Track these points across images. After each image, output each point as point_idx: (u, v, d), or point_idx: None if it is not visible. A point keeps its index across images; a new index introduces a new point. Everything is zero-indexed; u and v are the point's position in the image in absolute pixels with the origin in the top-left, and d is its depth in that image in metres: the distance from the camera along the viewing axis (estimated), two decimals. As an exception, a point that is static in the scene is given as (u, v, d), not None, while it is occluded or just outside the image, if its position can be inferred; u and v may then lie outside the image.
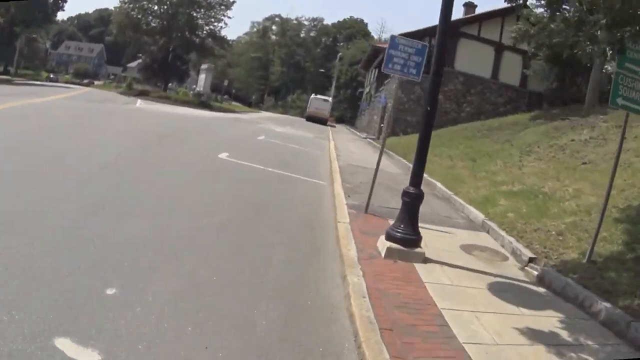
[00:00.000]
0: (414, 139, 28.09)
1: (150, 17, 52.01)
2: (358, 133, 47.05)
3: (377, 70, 52.05)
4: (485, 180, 14.51)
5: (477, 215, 10.89)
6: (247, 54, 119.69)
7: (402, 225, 7.67)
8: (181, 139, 16.65)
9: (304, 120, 60.92)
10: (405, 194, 7.96)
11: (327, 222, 9.71)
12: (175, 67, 75.80)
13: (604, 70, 24.79)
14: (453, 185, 14.29)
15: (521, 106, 34.63)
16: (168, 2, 50.90)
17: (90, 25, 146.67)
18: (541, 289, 7.21)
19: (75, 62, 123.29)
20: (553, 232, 9.19)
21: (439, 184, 14.76)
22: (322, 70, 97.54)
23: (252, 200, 10.30)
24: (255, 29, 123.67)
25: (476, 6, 41.19)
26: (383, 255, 7.53)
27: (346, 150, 23.81)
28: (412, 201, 7.89)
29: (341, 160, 18.11)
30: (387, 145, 29.31)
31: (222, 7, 52.72)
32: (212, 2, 52.55)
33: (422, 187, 8.10)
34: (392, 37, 10.54)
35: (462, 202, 12.35)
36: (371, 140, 35.42)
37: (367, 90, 61.32)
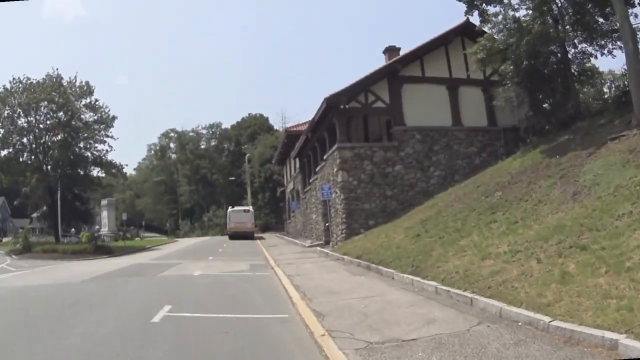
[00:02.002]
0: (393, 234, 18.35)
1: (21, 153, 41.43)
2: (297, 241, 37.45)
3: (297, 160, 43.63)
4: None
5: None
6: (150, 179, 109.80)
7: None
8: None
9: (227, 238, 52.16)
10: None
11: None
12: (74, 208, 65.83)
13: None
14: None
15: (499, 149, 27.81)
16: (36, 131, 40.54)
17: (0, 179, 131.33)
18: None
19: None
20: None
21: None
22: (233, 178, 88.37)
23: None
24: (152, 151, 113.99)
25: (399, 49, 33.49)
26: None
27: (314, 284, 14.17)
28: None
29: (336, 330, 8.44)
30: (362, 254, 20.19)
31: (102, 125, 42.70)
32: (88, 121, 42.47)
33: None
34: None
35: None
36: (323, 250, 25.96)
37: (290, 187, 52.72)
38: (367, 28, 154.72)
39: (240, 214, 53.07)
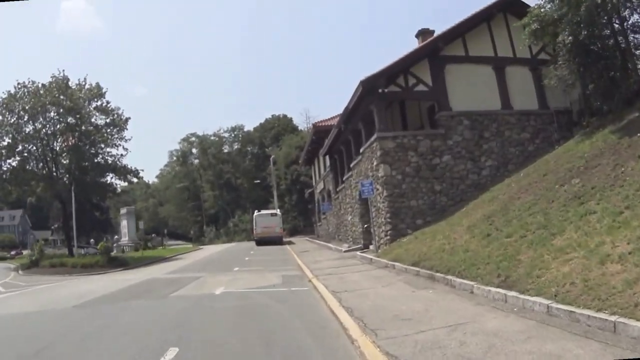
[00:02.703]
0: (452, 234, 16.52)
1: (27, 161, 38.13)
2: (331, 245, 34.07)
3: (327, 158, 40.37)
4: None
5: None
6: (173, 186, 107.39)
7: None
8: None
9: (253, 244, 49.06)
10: None
11: None
12: (93, 218, 63.53)
13: None
14: None
15: (553, 134, 24.57)
16: (45, 137, 37.29)
17: (9, 191, 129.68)
18: None
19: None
20: None
21: None
22: (258, 181, 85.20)
23: None
24: (174, 157, 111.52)
25: (433, 31, 29.91)
26: None
27: (371, 304, 10.79)
28: None
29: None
30: (419, 261, 16.66)
31: (115, 129, 39.48)
32: (98, 124, 39.20)
33: None
34: None
35: None
36: (365, 255, 22.65)
37: (319, 187, 49.38)
38: (388, 21, 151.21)
39: (268, 218, 49.90)
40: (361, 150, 26.73)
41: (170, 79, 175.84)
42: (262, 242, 47.29)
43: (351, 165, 29.93)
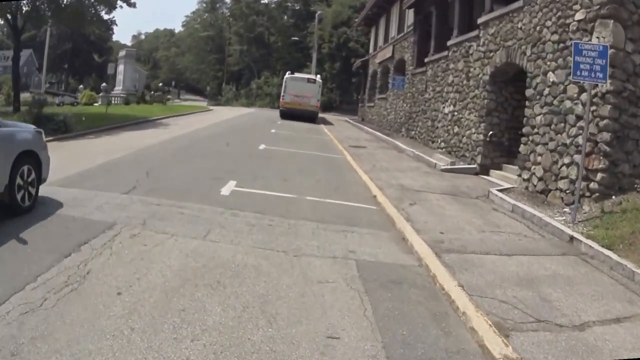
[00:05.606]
0: None
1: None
2: (400, 143, 21.78)
3: (410, 13, 27.47)
4: None
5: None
6: (196, 34, 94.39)
7: None
8: None
9: (277, 115, 38.08)
10: None
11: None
12: (89, 60, 52.92)
13: None
14: None
15: None
16: None
17: (21, 29, 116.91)
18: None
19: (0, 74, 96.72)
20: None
21: None
22: (296, 39, 71.25)
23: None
24: (204, 4, 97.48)
25: None
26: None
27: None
28: None
29: None
30: None
31: None
32: None
33: None
34: None
35: None
36: (529, 210, 10.31)
37: (382, 56, 36.21)
38: None
39: (302, 85, 37.15)
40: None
41: None
42: (289, 114, 35.99)
43: (480, 21, 16.61)
